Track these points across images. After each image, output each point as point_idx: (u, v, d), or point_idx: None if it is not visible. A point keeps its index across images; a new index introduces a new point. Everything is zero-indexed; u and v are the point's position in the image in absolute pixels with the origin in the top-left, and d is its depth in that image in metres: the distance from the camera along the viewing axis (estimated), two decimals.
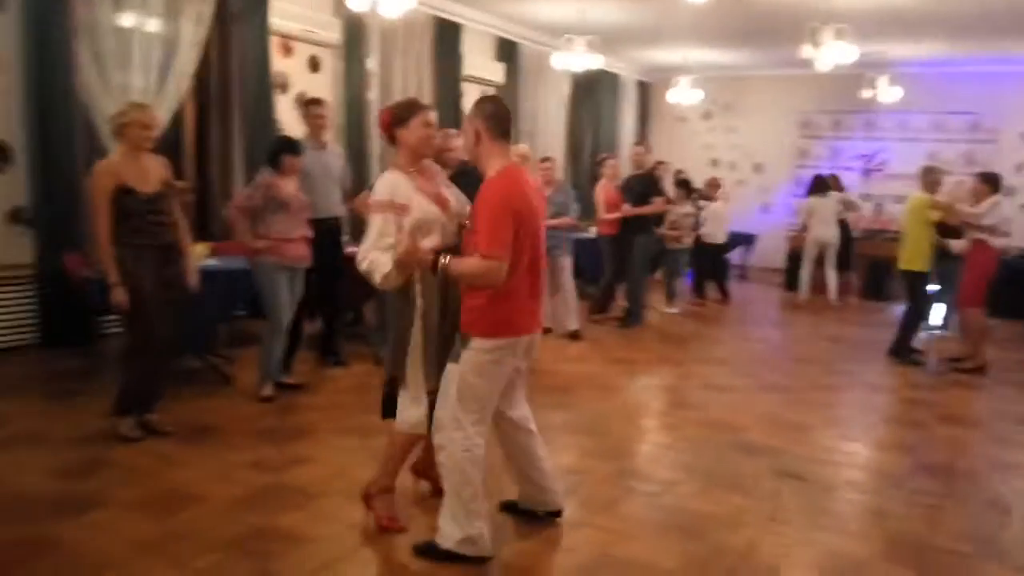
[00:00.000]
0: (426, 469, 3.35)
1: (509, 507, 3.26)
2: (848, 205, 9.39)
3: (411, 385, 2.98)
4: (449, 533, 2.80)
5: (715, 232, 9.21)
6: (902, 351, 6.68)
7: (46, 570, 2.69)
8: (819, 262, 9.41)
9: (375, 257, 2.83)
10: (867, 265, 10.23)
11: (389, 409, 3.08)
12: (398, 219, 2.85)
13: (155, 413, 4.08)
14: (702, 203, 9.23)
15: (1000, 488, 3.88)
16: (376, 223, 2.87)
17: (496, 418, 2.99)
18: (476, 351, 2.76)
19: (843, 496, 3.70)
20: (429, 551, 2.85)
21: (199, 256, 5.06)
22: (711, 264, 9.36)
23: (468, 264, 2.74)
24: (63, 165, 5.44)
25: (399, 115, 2.97)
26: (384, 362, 3.13)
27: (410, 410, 3.00)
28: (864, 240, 10.44)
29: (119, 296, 3.77)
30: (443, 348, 2.92)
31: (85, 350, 5.47)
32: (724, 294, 9.48)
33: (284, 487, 3.45)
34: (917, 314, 6.80)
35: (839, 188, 9.70)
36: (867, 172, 12.05)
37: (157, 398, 4.12)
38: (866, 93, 10.42)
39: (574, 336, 6.90)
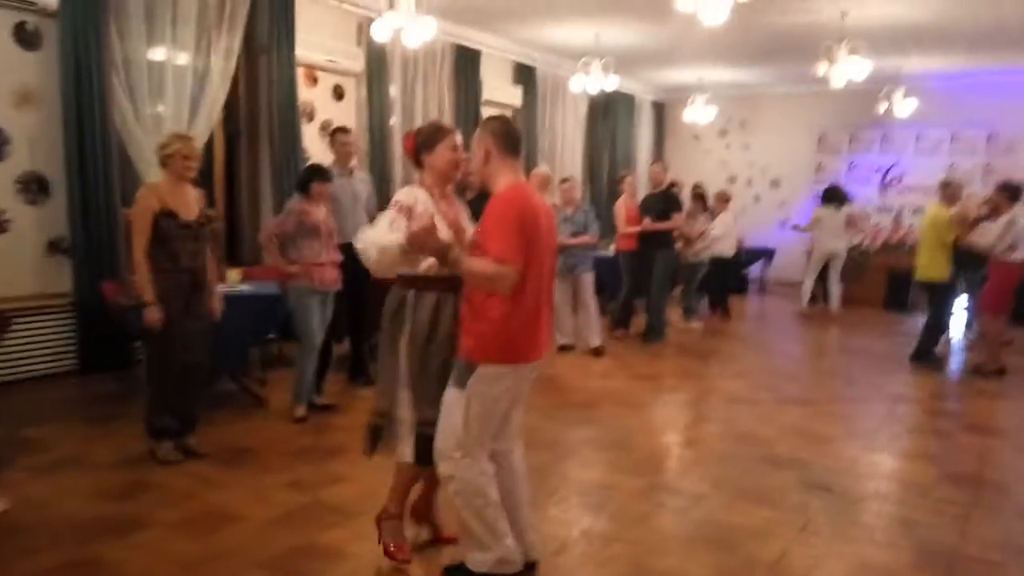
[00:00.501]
0: (424, 513, 3.24)
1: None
2: (850, 220, 9.44)
3: (400, 415, 2.91)
4: (480, 559, 2.77)
5: (724, 246, 9.21)
6: (923, 355, 6.78)
7: None
8: (821, 274, 9.50)
9: (378, 237, 2.77)
10: (886, 277, 10.25)
11: (373, 443, 2.97)
12: (411, 223, 2.76)
13: (192, 436, 4.20)
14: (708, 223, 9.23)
15: None
16: (388, 216, 2.82)
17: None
18: (484, 378, 2.67)
19: (870, 507, 3.74)
20: (461, 574, 2.83)
21: (232, 281, 5.22)
22: (719, 279, 9.33)
23: (481, 263, 2.63)
24: (100, 196, 5.61)
25: (425, 140, 2.96)
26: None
27: (404, 442, 2.93)
28: (883, 252, 10.48)
29: (153, 315, 3.89)
30: (429, 374, 2.84)
31: (122, 375, 5.60)
32: (725, 311, 9.40)
33: (321, 506, 3.54)
34: (937, 322, 6.88)
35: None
36: (884, 185, 12.08)
37: (192, 422, 4.23)
38: (881, 107, 10.47)
39: (597, 352, 6.98)
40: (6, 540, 3.14)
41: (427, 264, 2.82)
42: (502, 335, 2.65)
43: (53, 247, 5.64)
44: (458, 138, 2.99)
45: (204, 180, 6.79)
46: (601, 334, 7.14)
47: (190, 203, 4.08)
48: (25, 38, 5.37)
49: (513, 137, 2.81)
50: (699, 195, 8.95)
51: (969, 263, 7.13)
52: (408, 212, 2.82)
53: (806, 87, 11.68)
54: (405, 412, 2.90)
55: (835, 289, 9.43)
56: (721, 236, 9.10)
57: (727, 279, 9.53)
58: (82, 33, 5.38)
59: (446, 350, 2.84)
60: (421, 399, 2.86)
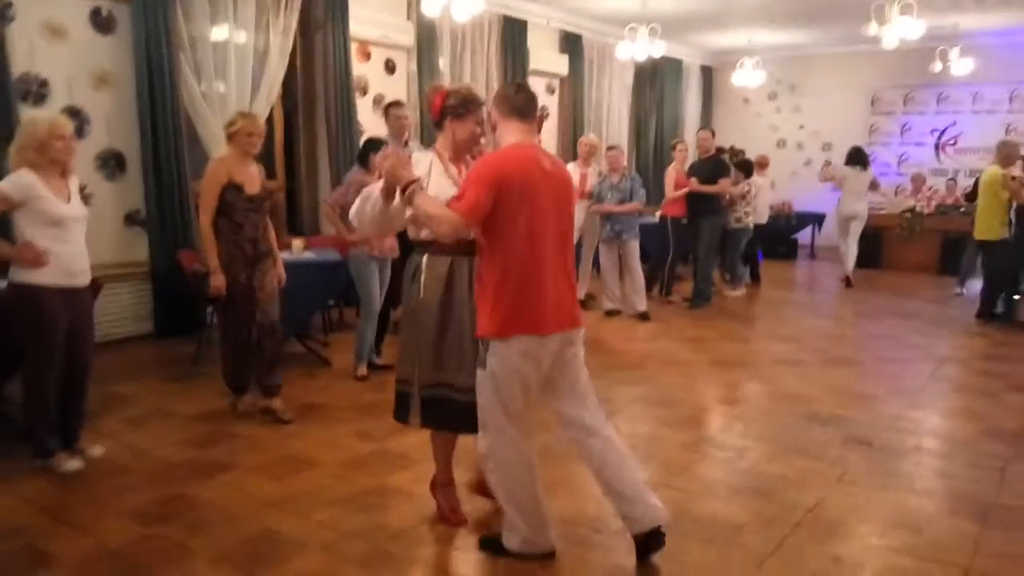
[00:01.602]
0: (480, 485, 3.22)
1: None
2: (873, 183, 9.32)
3: (416, 383, 2.94)
4: (510, 535, 2.81)
5: (759, 211, 9.20)
6: (987, 314, 6.91)
7: (194, 521, 3.11)
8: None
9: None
10: (941, 240, 10.13)
11: (400, 410, 3.03)
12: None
13: (278, 398, 4.38)
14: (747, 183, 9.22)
15: None
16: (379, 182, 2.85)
17: (564, 425, 2.85)
18: (494, 353, 2.65)
19: (910, 459, 3.87)
20: (493, 547, 2.87)
21: (297, 250, 5.52)
22: (749, 244, 9.29)
23: (429, 202, 2.64)
24: (171, 171, 5.97)
25: (456, 108, 2.91)
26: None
27: (416, 408, 2.97)
28: (937, 216, 10.34)
29: (218, 281, 4.19)
30: (442, 340, 2.87)
31: (195, 338, 5.97)
32: (755, 277, 9.34)
33: (387, 453, 3.84)
34: (993, 281, 6.96)
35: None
36: (939, 147, 11.85)
37: (275, 382, 4.41)
38: (936, 67, 10.27)
39: (643, 317, 7.14)
40: (109, 479, 3.51)
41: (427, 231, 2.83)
42: (500, 307, 2.62)
43: (130, 219, 6.03)
44: (484, 114, 2.98)
45: (264, 154, 7.12)
46: (646, 299, 7.29)
47: (254, 177, 4.34)
48: (100, 23, 5.70)
49: (513, 101, 2.76)
50: (743, 162, 8.96)
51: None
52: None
53: (858, 47, 11.44)
54: (417, 379, 2.94)
55: (853, 250, 9.32)
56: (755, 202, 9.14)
57: (756, 245, 9.50)
58: (152, 16, 5.70)
59: (464, 317, 2.84)
60: (428, 363, 2.89)
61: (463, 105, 2.92)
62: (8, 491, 3.35)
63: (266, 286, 4.38)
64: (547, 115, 7.13)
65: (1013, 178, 6.63)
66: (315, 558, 2.83)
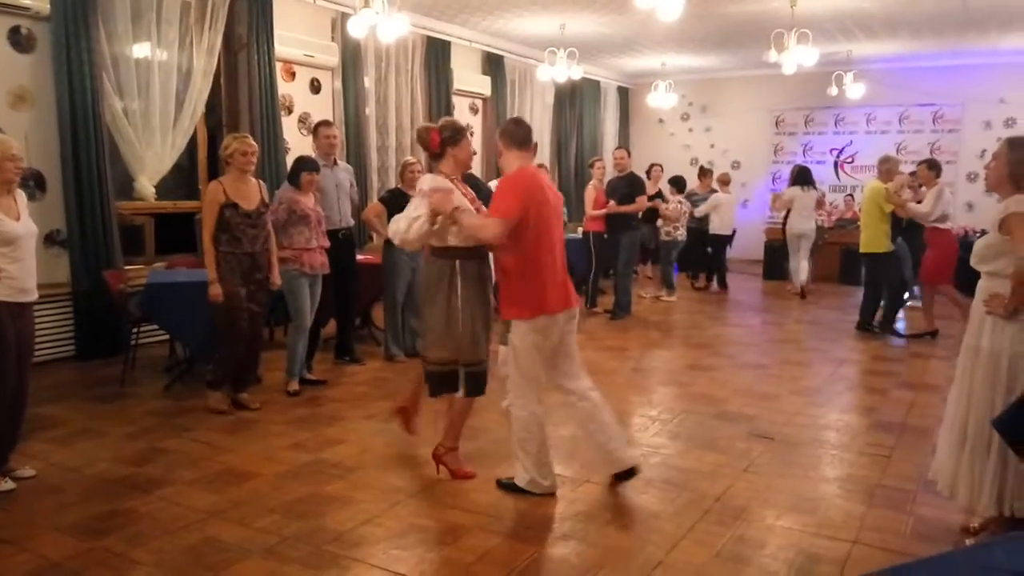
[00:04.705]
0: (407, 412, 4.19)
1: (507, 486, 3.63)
2: (819, 201, 10.09)
3: (456, 361, 3.60)
4: (521, 475, 3.55)
5: (723, 223, 9.93)
6: (866, 325, 7.35)
7: (135, 534, 3.17)
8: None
9: (408, 213, 3.49)
10: (840, 253, 10.85)
11: (444, 386, 3.63)
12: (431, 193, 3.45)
13: (246, 392, 4.92)
14: (702, 197, 9.95)
15: None
16: (414, 202, 3.51)
17: (562, 394, 3.66)
18: (517, 332, 3.40)
19: (806, 451, 4.25)
20: (508, 486, 3.58)
21: None
22: (716, 254, 10.08)
23: (472, 217, 3.41)
24: (94, 190, 5.93)
25: (451, 136, 3.60)
26: (425, 346, 3.76)
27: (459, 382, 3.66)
28: (837, 230, 11.07)
29: (216, 291, 4.54)
30: (477, 326, 3.54)
31: (118, 359, 5.93)
32: (723, 285, 10.21)
33: (323, 463, 3.97)
34: (875, 292, 7.43)
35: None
36: (838, 164, 12.70)
37: (249, 381, 4.98)
38: (833, 90, 11.04)
39: None
40: (41, 499, 3.52)
41: (455, 240, 3.47)
42: (523, 294, 3.37)
43: (50, 240, 5.95)
44: (469, 133, 3.77)
45: (189, 172, 7.15)
46: None
47: (251, 195, 4.70)
48: (19, 42, 5.66)
49: (516, 134, 3.53)
50: (675, 179, 9.63)
51: (913, 232, 7.70)
52: (433, 193, 3.46)
53: (762, 71, 12.15)
54: (459, 357, 3.57)
55: (804, 265, 9.93)
56: (719, 215, 9.82)
57: (718, 255, 10.23)
58: (73, 35, 5.69)
59: (481, 306, 3.54)
60: (469, 345, 3.54)
61: (456, 133, 3.62)
62: None
63: (258, 298, 4.74)
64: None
65: (898, 193, 7.17)
66: (259, 562, 2.95)
